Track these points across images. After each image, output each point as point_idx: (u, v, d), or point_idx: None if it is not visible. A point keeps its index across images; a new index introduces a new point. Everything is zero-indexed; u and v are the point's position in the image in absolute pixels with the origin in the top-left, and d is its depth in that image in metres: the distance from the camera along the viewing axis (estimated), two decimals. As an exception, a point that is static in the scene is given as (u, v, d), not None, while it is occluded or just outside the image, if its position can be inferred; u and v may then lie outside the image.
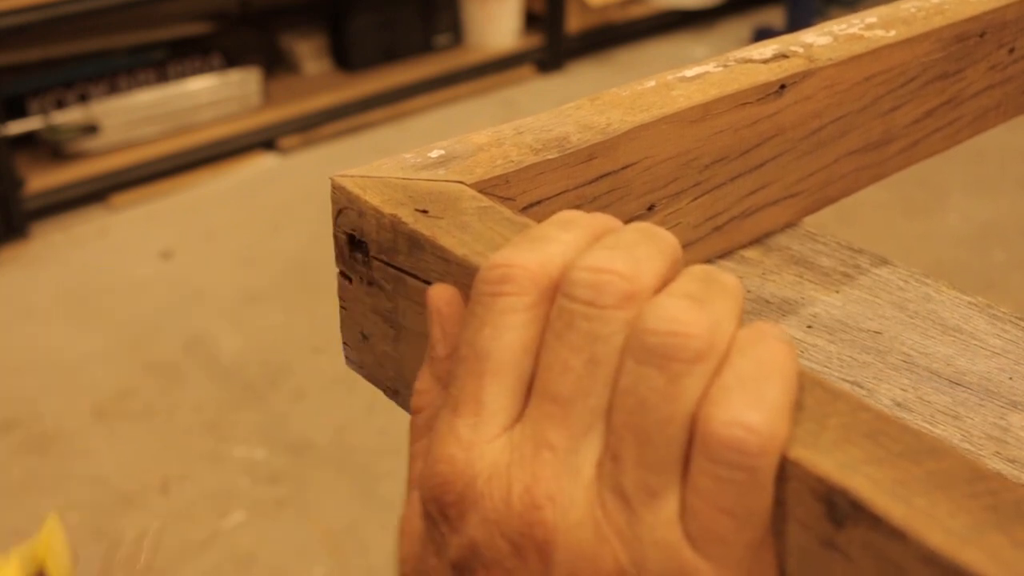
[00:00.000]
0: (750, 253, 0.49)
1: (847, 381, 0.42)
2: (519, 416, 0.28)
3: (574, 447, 0.26)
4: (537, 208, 0.38)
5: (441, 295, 0.31)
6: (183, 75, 2.66)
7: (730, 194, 0.46)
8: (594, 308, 0.26)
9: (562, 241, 0.29)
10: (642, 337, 0.26)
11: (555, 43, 3.13)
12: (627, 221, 0.42)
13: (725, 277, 0.28)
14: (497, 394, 0.28)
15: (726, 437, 0.25)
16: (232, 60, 2.73)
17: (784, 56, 0.46)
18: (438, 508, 0.28)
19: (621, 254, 0.27)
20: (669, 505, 0.26)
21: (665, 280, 0.28)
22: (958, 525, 0.23)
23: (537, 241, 0.29)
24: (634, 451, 0.26)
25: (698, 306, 0.26)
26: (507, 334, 0.28)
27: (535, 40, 3.14)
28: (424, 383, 0.31)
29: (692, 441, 0.25)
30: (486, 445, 0.27)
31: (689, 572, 0.25)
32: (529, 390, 0.28)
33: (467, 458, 0.27)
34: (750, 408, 0.25)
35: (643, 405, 0.26)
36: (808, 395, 0.27)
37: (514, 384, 0.28)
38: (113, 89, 2.57)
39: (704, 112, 0.42)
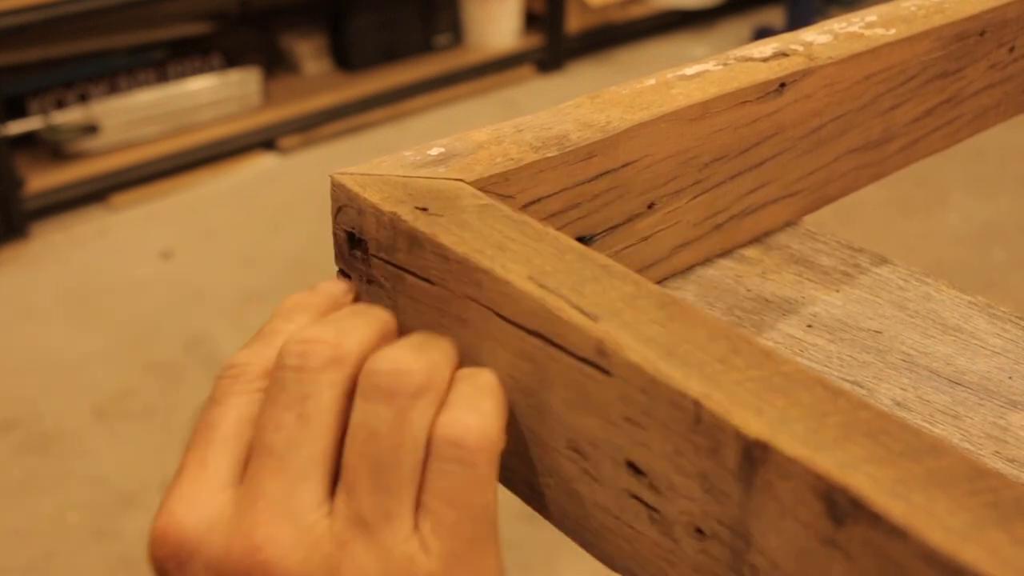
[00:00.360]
0: (750, 252, 0.49)
1: (847, 380, 0.42)
2: (243, 478, 0.31)
3: (291, 494, 0.29)
4: (537, 206, 0.38)
5: None
6: (183, 75, 2.66)
7: (730, 192, 0.46)
8: (303, 372, 0.30)
9: (287, 332, 0.33)
10: (370, 378, 0.30)
11: (555, 43, 3.13)
12: (627, 219, 0.42)
13: (440, 340, 0.32)
14: (220, 457, 0.31)
15: (446, 435, 0.29)
16: (232, 60, 2.73)
17: (784, 54, 0.46)
18: (156, 561, 0.30)
19: (329, 327, 0.31)
20: (405, 523, 0.29)
21: (373, 346, 0.32)
22: (958, 523, 0.23)
23: (266, 337, 0.33)
24: (369, 479, 0.29)
25: (417, 351, 0.31)
26: (233, 411, 0.31)
27: (535, 40, 3.14)
28: None
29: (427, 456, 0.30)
30: (207, 499, 0.30)
31: None
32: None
33: (185, 511, 0.30)
34: (467, 413, 0.30)
35: (374, 436, 0.29)
36: (808, 394, 0.27)
37: (237, 450, 0.31)
38: (113, 89, 2.57)
39: (704, 110, 0.42)
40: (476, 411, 0.30)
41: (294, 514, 0.29)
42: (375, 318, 0.33)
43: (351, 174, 0.36)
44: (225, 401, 0.32)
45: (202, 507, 0.30)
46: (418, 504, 0.29)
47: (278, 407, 0.30)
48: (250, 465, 0.30)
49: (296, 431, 0.30)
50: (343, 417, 0.30)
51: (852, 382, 0.41)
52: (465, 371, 0.32)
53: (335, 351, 0.30)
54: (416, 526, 0.29)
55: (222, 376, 0.32)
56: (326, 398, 0.30)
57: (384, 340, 0.32)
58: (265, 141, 2.67)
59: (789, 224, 0.51)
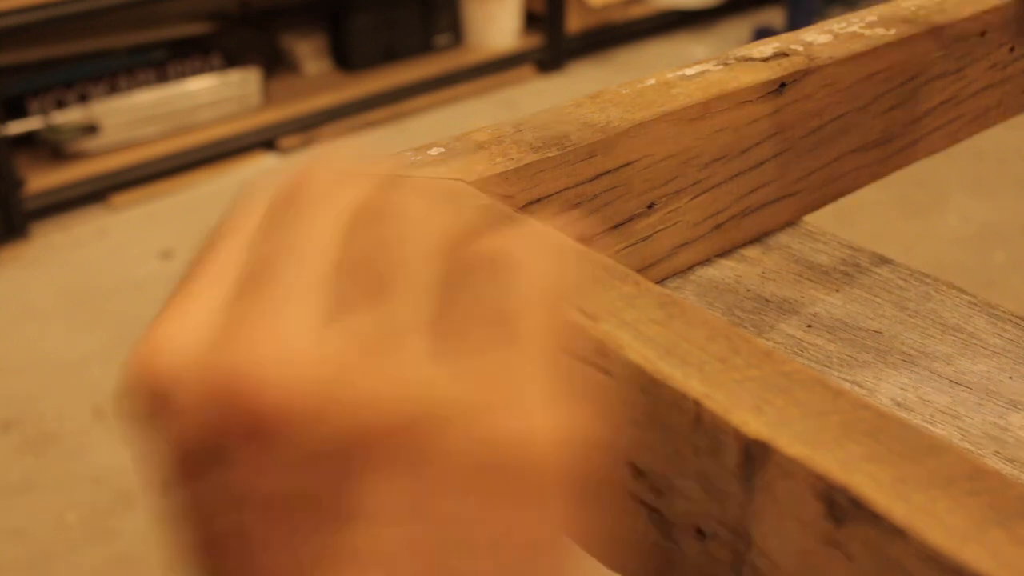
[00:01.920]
0: (750, 252, 0.49)
1: (847, 380, 0.42)
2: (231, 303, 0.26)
3: (284, 311, 0.25)
4: (537, 206, 0.38)
5: None
6: (183, 75, 2.66)
7: (730, 192, 0.46)
8: (303, 191, 0.27)
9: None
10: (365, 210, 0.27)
11: (555, 43, 3.13)
12: (628, 219, 0.42)
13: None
14: (211, 287, 0.26)
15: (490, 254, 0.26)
16: (232, 60, 2.73)
17: (784, 54, 0.46)
18: (137, 407, 0.25)
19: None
20: (420, 343, 0.25)
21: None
22: (958, 522, 0.23)
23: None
24: (367, 296, 0.25)
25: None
26: (233, 243, 0.27)
27: (535, 40, 3.14)
28: None
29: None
30: (191, 329, 0.25)
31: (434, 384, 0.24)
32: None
33: (165, 343, 0.25)
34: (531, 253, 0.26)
35: (371, 252, 0.25)
36: (808, 394, 0.27)
37: (231, 279, 0.26)
38: (113, 89, 2.57)
39: (704, 110, 0.42)
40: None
41: (288, 331, 0.24)
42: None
43: (351, 174, 0.36)
44: (220, 244, 0.27)
45: (184, 337, 0.25)
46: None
47: (274, 227, 0.26)
48: (241, 288, 0.25)
49: (294, 251, 0.25)
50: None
51: (852, 382, 0.41)
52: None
53: (340, 173, 0.27)
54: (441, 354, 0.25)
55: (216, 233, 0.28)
56: (331, 214, 0.26)
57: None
58: (265, 141, 2.67)
59: (789, 224, 0.51)
